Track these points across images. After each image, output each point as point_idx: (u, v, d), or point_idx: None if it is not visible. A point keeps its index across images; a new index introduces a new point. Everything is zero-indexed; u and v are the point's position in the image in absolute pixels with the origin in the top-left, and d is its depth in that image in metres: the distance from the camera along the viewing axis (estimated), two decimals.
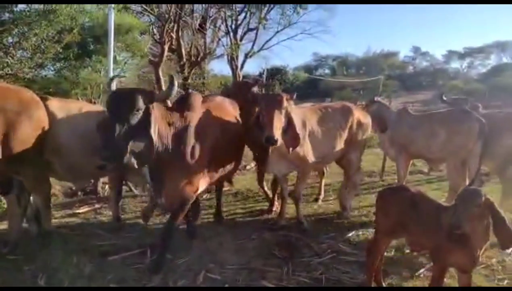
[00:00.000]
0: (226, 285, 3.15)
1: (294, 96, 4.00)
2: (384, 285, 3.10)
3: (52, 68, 9.35)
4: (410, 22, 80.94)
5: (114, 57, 8.78)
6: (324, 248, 3.93)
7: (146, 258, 3.55)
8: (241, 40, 16.22)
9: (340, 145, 4.68)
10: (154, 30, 11.80)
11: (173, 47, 13.04)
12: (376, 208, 3.08)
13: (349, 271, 3.43)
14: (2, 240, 3.66)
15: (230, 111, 4.04)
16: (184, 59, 13.16)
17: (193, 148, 3.25)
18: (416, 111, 5.54)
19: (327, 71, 42.89)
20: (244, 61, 16.93)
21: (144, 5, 12.25)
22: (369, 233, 4.28)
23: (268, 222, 4.60)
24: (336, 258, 3.67)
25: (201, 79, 13.96)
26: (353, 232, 4.34)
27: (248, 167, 8.10)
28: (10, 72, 7.04)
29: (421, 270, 3.41)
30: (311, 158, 4.30)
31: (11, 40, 6.93)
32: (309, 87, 29.45)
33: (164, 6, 12.90)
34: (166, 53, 12.14)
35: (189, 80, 13.56)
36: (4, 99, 3.13)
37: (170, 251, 3.65)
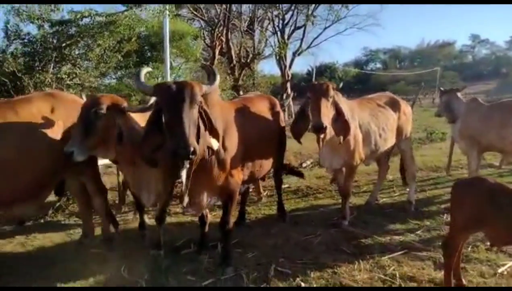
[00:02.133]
0: (298, 280, 3.15)
1: (340, 86, 3.91)
2: (464, 283, 2.94)
3: (113, 76, 9.85)
4: (466, 9, 76.19)
5: (170, 63, 9.09)
6: (394, 244, 3.82)
7: (217, 252, 3.65)
8: (288, 38, 16.19)
9: (391, 137, 4.63)
10: (205, 35, 12.12)
11: (223, 50, 13.32)
12: (451, 201, 2.92)
13: (424, 268, 3.30)
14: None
15: (263, 106, 3.99)
16: (234, 62, 13.39)
17: (227, 141, 3.16)
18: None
19: (378, 65, 41.73)
20: (292, 60, 16.88)
21: (194, 11, 12.61)
22: (441, 229, 4.11)
23: (332, 218, 4.54)
24: (409, 255, 3.55)
25: (251, 80, 14.10)
26: (424, 228, 4.17)
27: (304, 165, 8.06)
28: (78, 82, 7.53)
29: (504, 267, 3.20)
30: (362, 151, 4.20)
31: (77, 52, 7.39)
32: (360, 82, 28.77)
33: (213, 11, 13.25)
34: (217, 56, 12.49)
35: (240, 82, 13.76)
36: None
37: (238, 245, 3.75)
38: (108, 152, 3.20)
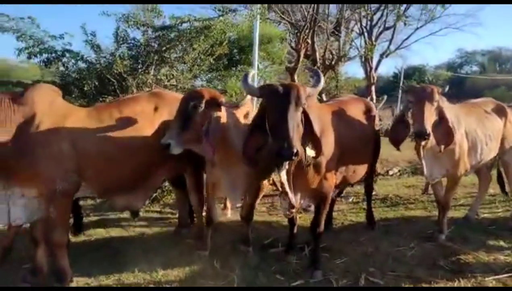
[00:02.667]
0: None
1: (446, 90, 3.64)
2: None
3: (204, 79, 10.34)
4: None
5: (257, 66, 9.29)
6: (499, 265, 3.47)
7: (304, 254, 3.65)
8: (376, 40, 15.54)
9: (496, 147, 4.28)
10: (290, 37, 12.18)
11: (308, 53, 13.25)
12: None
13: None
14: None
15: (358, 110, 3.87)
16: (318, 64, 13.24)
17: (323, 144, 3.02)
18: None
19: (474, 68, 38.11)
20: (379, 62, 16.19)
21: (281, 14, 12.73)
22: None
23: (427, 231, 4.26)
24: None
25: (334, 83, 13.85)
26: None
27: (390, 172, 7.70)
28: (174, 83, 8.05)
29: None
30: (467, 160, 3.87)
31: (175, 55, 7.88)
32: (453, 86, 26.46)
33: (298, 13, 13.26)
34: (301, 59, 12.47)
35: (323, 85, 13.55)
36: None
37: (326, 250, 3.71)
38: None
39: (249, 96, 3.26)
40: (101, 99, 6.77)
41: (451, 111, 3.73)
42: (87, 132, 2.93)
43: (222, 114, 3.13)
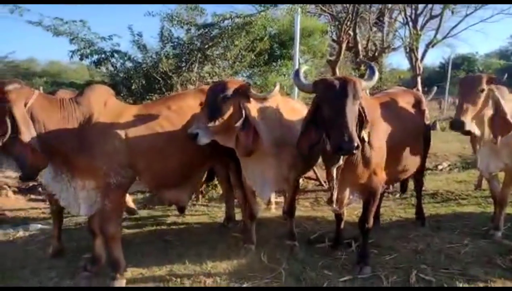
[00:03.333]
0: None
1: (504, 78, 3.43)
2: None
3: (244, 74, 10.41)
4: None
5: (298, 60, 9.20)
6: None
7: (351, 250, 3.61)
8: (422, 29, 14.92)
9: None
10: (331, 30, 11.96)
11: (350, 45, 12.98)
12: None
13: None
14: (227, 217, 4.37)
15: (408, 103, 3.75)
16: (361, 56, 12.94)
17: (373, 138, 3.03)
18: None
19: None
20: (425, 52, 15.55)
21: (321, 6, 12.54)
22: None
23: (481, 228, 4.07)
24: None
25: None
26: None
27: (440, 167, 7.39)
28: (216, 80, 8.17)
29: None
30: None
31: (217, 52, 8.00)
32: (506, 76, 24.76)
33: (339, 6, 12.97)
34: (343, 51, 12.23)
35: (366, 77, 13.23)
36: None
37: (374, 246, 3.64)
38: (230, 138, 3.14)
39: (277, 89, 3.23)
40: (147, 97, 7.04)
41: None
42: (138, 129, 3.06)
43: (252, 106, 3.11)
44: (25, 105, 2.71)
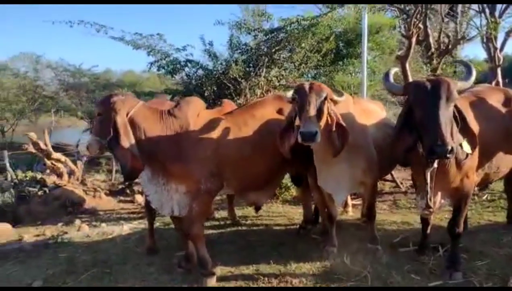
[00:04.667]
0: None
1: None
2: None
3: (310, 76, 10.39)
4: None
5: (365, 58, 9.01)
6: None
7: (438, 254, 3.50)
8: (500, 16, 13.75)
9: None
10: (400, 24, 11.49)
11: (420, 38, 12.38)
12: None
13: None
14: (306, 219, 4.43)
15: (497, 101, 3.51)
16: (433, 49, 12.28)
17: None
18: None
19: None
20: (505, 41, 14.33)
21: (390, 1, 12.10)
22: None
23: None
24: None
25: (452, 68, 12.69)
26: None
27: None
28: (283, 83, 8.27)
29: None
30: None
31: (283, 56, 8.09)
32: None
33: None
34: (413, 45, 11.68)
35: (438, 71, 12.55)
36: None
37: (463, 250, 3.49)
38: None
39: (344, 97, 3.17)
40: (219, 102, 7.35)
41: None
42: (227, 139, 3.27)
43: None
44: (127, 114, 3.04)
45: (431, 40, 11.83)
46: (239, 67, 7.18)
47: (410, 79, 12.69)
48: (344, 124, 2.96)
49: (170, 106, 3.44)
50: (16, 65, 18.22)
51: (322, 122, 2.87)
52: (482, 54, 15.84)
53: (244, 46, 7.76)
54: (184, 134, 3.14)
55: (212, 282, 3.25)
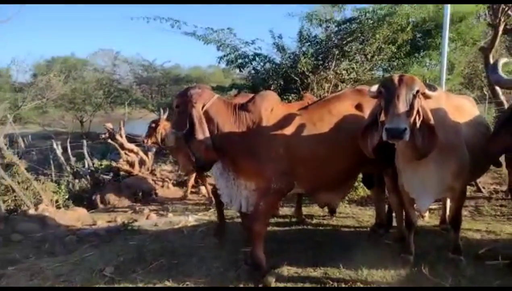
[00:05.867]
0: None
1: None
2: None
3: (381, 68, 9.84)
4: None
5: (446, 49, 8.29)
6: None
7: None
8: None
9: None
10: (486, 12, 10.42)
11: (508, 27, 11.16)
12: None
13: None
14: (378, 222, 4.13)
15: None
16: None
17: None
18: None
19: None
20: None
21: None
22: None
23: None
24: None
25: None
26: None
27: None
28: (353, 76, 7.89)
29: None
30: None
31: (355, 48, 7.71)
32: None
33: None
34: (499, 35, 10.55)
35: None
36: None
37: None
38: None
39: (439, 91, 2.84)
40: (284, 97, 7.22)
41: None
42: (300, 137, 3.12)
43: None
44: (203, 107, 3.03)
45: None
46: (307, 60, 6.96)
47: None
48: (433, 123, 2.66)
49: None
50: (96, 61, 19.72)
51: (412, 119, 2.60)
52: None
53: (314, 38, 7.53)
54: (256, 130, 3.07)
55: (273, 280, 3.11)
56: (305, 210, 4.99)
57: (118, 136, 7.46)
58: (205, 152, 2.97)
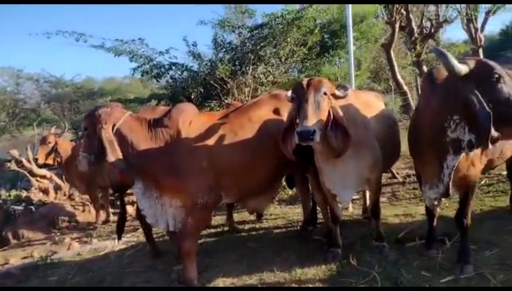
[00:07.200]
0: None
1: None
2: None
3: (296, 70, 10.20)
4: None
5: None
6: None
7: (445, 247, 3.39)
8: None
9: None
10: (383, 11, 11.40)
11: (403, 24, 12.35)
12: None
13: None
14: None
15: None
16: (416, 34, 12.26)
17: None
18: None
19: None
20: (485, 21, 14.41)
21: None
22: None
23: None
24: None
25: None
26: None
27: None
28: (270, 79, 8.10)
29: None
30: None
31: (269, 52, 7.91)
32: None
33: None
34: (397, 32, 11.63)
35: (423, 56, 12.54)
36: None
37: (470, 241, 3.38)
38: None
39: (350, 91, 3.02)
40: (206, 104, 7.17)
41: None
42: (223, 148, 3.08)
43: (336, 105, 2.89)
44: (114, 127, 2.85)
45: (413, 25, 11.77)
46: (225, 67, 6.99)
47: (396, 67, 12.61)
48: (345, 123, 2.81)
49: (162, 114, 3.23)
50: None
51: (322, 120, 2.70)
52: (461, 36, 15.85)
53: (228, 45, 7.58)
54: (176, 144, 2.95)
55: None
56: (237, 217, 4.98)
57: (26, 163, 6.77)
58: (119, 174, 2.81)
